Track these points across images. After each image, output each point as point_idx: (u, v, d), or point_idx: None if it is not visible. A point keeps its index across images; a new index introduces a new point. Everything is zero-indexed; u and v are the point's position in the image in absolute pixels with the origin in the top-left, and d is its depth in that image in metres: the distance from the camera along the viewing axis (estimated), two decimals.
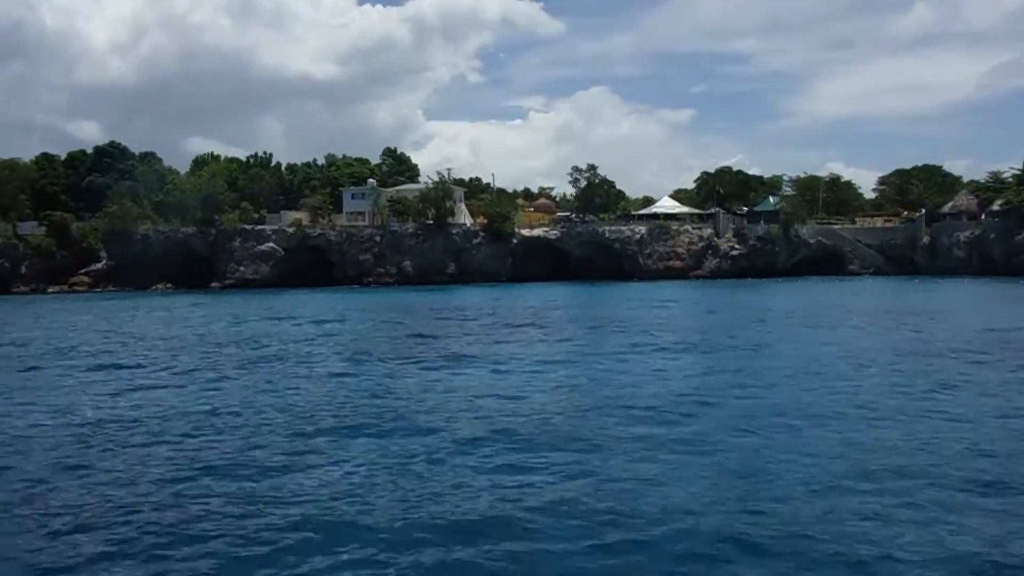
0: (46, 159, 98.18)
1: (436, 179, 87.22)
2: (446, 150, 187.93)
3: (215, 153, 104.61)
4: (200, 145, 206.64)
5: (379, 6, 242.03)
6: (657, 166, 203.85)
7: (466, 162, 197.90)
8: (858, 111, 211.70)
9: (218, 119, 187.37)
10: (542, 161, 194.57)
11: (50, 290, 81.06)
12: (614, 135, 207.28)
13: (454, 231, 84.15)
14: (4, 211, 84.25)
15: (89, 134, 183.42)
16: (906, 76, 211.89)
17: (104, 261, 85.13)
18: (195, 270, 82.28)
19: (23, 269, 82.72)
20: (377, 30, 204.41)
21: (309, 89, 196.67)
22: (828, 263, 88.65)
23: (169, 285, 79.97)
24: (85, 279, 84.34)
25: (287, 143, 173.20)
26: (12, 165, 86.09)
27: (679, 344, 28.48)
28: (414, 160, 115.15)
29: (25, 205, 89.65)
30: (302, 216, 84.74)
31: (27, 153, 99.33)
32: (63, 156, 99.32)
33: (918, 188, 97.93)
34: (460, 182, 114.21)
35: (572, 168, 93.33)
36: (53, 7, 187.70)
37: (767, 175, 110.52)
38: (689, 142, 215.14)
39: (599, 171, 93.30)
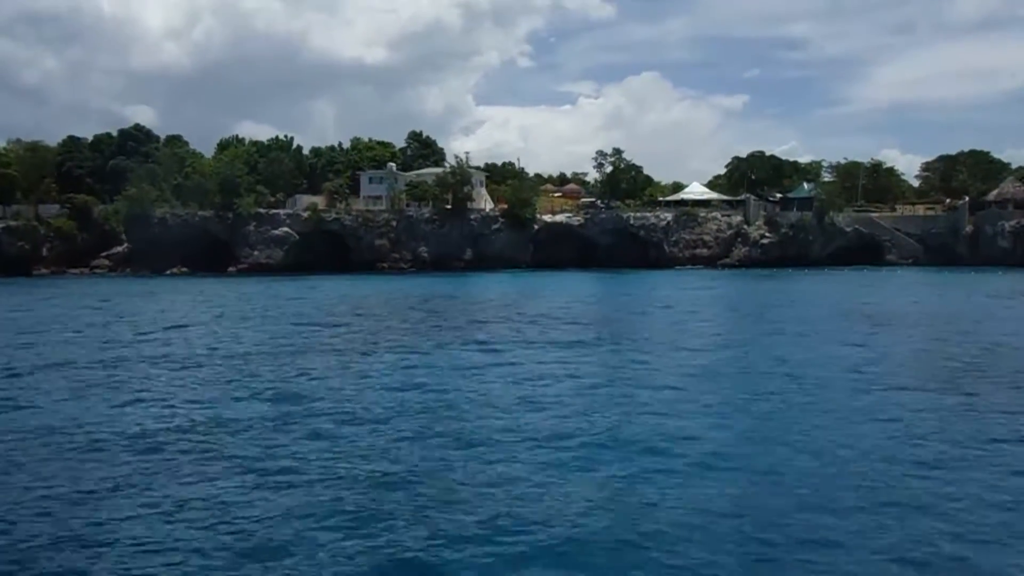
0: (72, 141, 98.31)
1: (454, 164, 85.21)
2: (496, 135, 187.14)
3: (239, 136, 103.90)
4: (251, 129, 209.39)
5: None
6: (708, 153, 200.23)
7: (515, 148, 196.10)
8: (916, 97, 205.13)
9: (269, 103, 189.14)
10: (591, 147, 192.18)
11: (70, 272, 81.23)
12: (664, 121, 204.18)
13: (472, 216, 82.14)
14: (26, 193, 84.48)
15: (144, 118, 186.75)
16: (967, 61, 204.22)
17: (125, 244, 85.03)
18: (213, 254, 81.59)
19: (44, 251, 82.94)
20: (427, 14, 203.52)
21: (360, 73, 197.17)
22: (865, 253, 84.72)
23: (185, 269, 79.42)
24: (106, 262, 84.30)
25: (338, 128, 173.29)
26: (34, 147, 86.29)
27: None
28: (464, 146, 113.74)
29: (50, 188, 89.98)
30: (318, 200, 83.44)
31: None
32: (90, 139, 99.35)
33: (963, 175, 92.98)
34: (492, 167, 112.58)
35: (597, 152, 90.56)
36: None
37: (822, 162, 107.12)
38: (741, 128, 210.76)
39: (625, 156, 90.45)
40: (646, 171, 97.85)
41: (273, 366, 22.33)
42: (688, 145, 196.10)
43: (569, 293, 49.76)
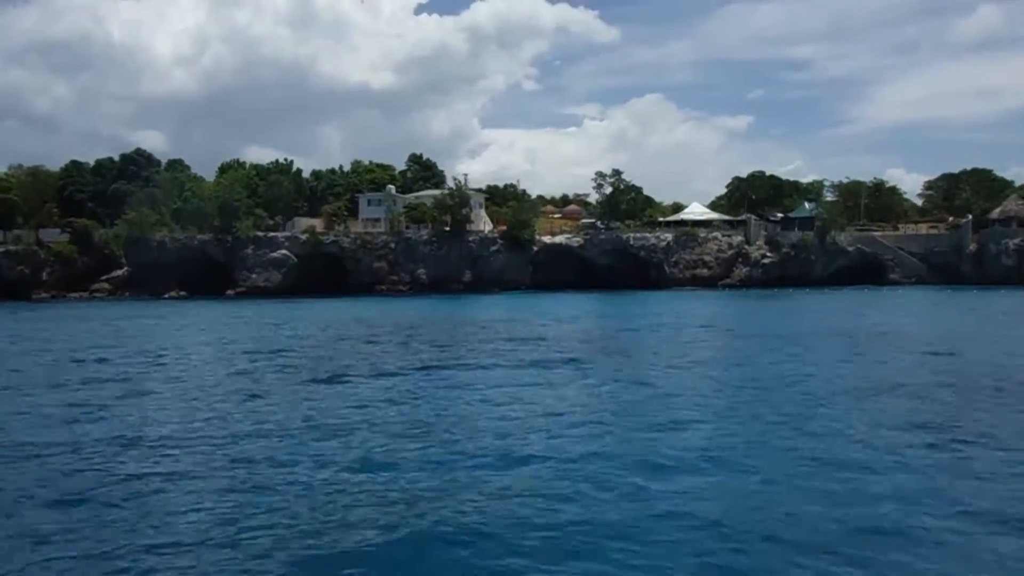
0: (74, 166, 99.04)
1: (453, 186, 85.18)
2: (502, 158, 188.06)
3: (240, 160, 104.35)
4: (258, 154, 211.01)
5: (435, 15, 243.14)
6: (712, 173, 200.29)
7: (521, 170, 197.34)
8: (921, 117, 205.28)
9: (277, 128, 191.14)
10: (597, 169, 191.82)
11: (70, 296, 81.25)
12: (669, 142, 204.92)
13: (471, 238, 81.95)
14: (27, 218, 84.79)
15: (153, 143, 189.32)
16: (971, 80, 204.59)
17: (125, 268, 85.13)
18: (212, 277, 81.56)
19: (45, 275, 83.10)
20: (433, 39, 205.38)
21: (367, 98, 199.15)
22: (868, 272, 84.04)
23: (183, 293, 79.30)
24: (106, 286, 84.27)
25: (344, 152, 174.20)
26: (35, 172, 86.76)
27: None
28: (470, 169, 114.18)
29: (52, 212, 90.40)
30: (316, 223, 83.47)
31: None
32: (92, 163, 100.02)
33: (966, 193, 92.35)
34: (494, 189, 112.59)
35: (596, 173, 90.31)
36: (120, 20, 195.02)
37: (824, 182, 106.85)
38: (745, 149, 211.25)
39: (625, 177, 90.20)
40: (651, 192, 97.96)
41: (227, 394, 21.89)
42: (693, 166, 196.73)
43: (552, 315, 48.97)
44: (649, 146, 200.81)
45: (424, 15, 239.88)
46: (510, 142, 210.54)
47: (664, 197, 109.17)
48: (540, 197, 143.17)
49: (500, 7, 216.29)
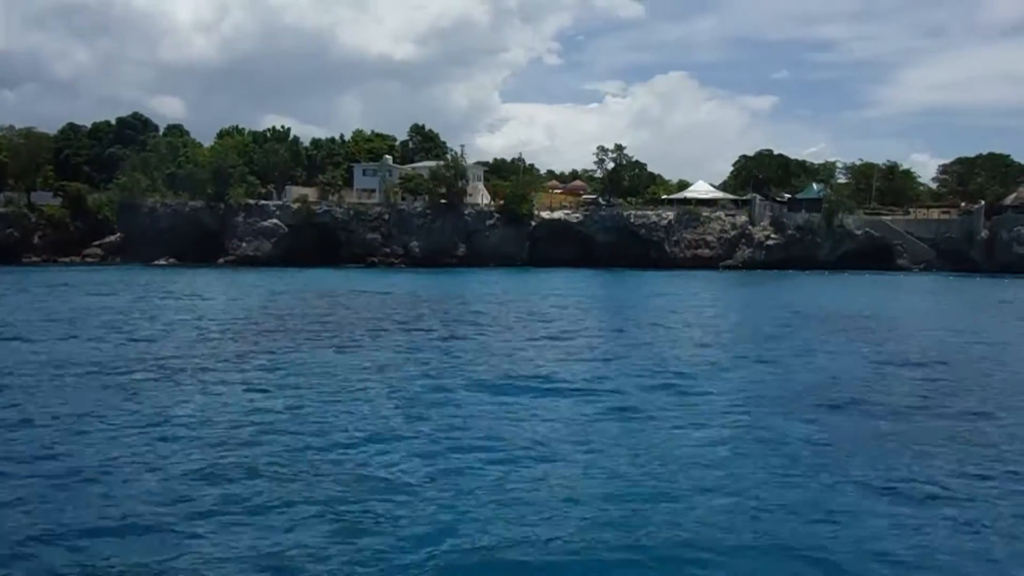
0: (71, 129, 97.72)
1: (450, 158, 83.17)
2: (522, 133, 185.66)
3: (240, 126, 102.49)
4: (276, 123, 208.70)
5: None
6: (734, 153, 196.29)
7: (541, 145, 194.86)
8: (948, 101, 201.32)
9: (297, 98, 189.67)
10: (626, 147, 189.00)
11: (61, 260, 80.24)
12: (692, 121, 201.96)
13: (466, 211, 80.00)
14: (17, 180, 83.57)
15: (172, 110, 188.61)
16: (1000, 65, 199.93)
17: (117, 233, 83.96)
18: (205, 245, 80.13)
19: (36, 239, 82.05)
20: (456, 10, 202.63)
21: (388, 69, 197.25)
22: (876, 256, 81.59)
23: (172, 260, 77.92)
24: (98, 251, 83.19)
25: (365, 122, 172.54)
26: (27, 134, 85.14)
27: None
28: (490, 142, 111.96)
29: (48, 175, 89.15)
30: (309, 192, 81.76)
31: None
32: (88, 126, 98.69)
33: (981, 178, 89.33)
34: (501, 163, 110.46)
35: (598, 148, 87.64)
36: None
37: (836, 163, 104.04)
38: (769, 129, 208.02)
39: (627, 152, 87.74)
40: (673, 171, 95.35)
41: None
42: (716, 145, 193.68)
43: (526, 296, 47.54)
44: (672, 124, 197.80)
45: None
46: (530, 117, 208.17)
47: (686, 176, 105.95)
48: (550, 172, 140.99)
49: None
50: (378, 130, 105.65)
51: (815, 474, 12.21)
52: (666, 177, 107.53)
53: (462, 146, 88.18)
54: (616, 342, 26.67)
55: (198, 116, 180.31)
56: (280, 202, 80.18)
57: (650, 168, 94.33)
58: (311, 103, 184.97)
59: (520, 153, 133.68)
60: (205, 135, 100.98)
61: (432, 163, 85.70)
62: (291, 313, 34.44)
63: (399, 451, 13.22)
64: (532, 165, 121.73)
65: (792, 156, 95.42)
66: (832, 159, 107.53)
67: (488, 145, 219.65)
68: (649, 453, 13.19)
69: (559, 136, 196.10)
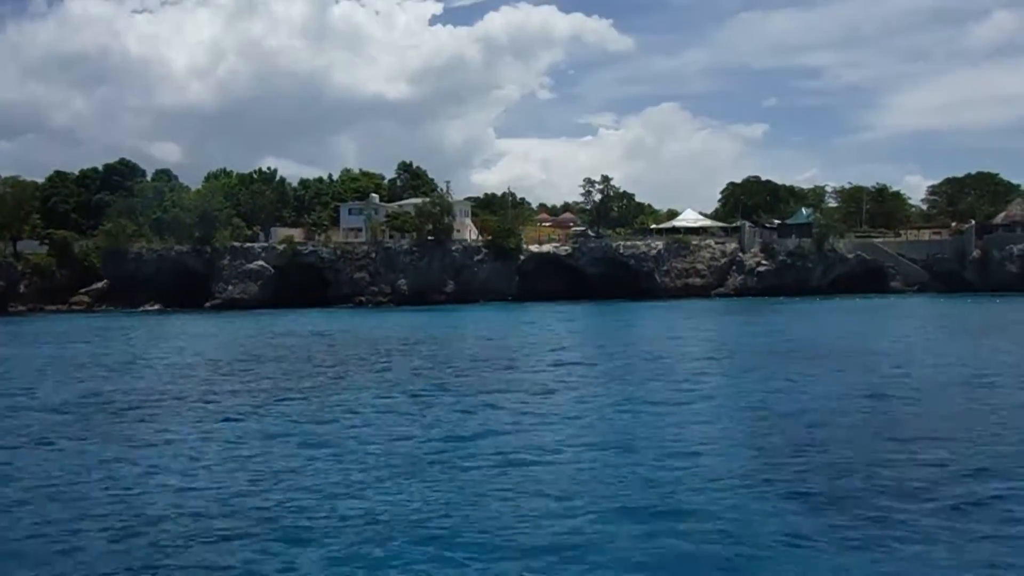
0: (59, 176, 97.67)
1: (435, 195, 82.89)
2: (517, 168, 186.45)
3: (227, 169, 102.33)
4: (272, 165, 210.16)
5: (450, 26, 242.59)
6: (728, 181, 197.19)
7: (537, 180, 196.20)
8: (937, 124, 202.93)
9: (292, 139, 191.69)
10: (613, 178, 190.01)
11: (48, 309, 79.44)
12: (685, 151, 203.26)
13: (454, 248, 79.48)
14: (3, 229, 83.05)
15: (170, 155, 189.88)
16: (987, 87, 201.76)
17: (104, 280, 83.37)
18: (191, 289, 79.46)
19: (22, 288, 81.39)
20: (448, 50, 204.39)
21: (382, 109, 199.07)
22: (868, 279, 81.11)
23: (157, 305, 77.16)
24: (85, 298, 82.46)
25: (360, 162, 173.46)
26: (13, 183, 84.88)
27: None
28: (485, 178, 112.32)
29: (34, 223, 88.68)
30: (296, 233, 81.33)
31: None
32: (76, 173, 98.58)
33: (971, 197, 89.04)
34: (491, 198, 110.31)
35: (584, 180, 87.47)
36: (137, 34, 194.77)
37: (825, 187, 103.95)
38: (763, 157, 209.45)
39: (615, 183, 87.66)
40: (669, 202, 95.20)
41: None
42: (710, 174, 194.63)
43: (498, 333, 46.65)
44: (665, 155, 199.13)
45: (439, 26, 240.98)
46: (525, 152, 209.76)
47: (682, 205, 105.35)
48: (542, 205, 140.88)
49: (514, 17, 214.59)
50: (375, 169, 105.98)
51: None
52: (659, 206, 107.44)
53: (447, 182, 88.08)
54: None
55: (194, 160, 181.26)
56: (266, 244, 79.69)
57: (647, 198, 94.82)
58: (306, 145, 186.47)
59: (509, 187, 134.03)
60: (201, 179, 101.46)
61: (419, 200, 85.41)
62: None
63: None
64: (523, 199, 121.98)
65: (786, 183, 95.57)
66: (825, 184, 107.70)
67: (484, 181, 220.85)
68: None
69: (554, 170, 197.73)
